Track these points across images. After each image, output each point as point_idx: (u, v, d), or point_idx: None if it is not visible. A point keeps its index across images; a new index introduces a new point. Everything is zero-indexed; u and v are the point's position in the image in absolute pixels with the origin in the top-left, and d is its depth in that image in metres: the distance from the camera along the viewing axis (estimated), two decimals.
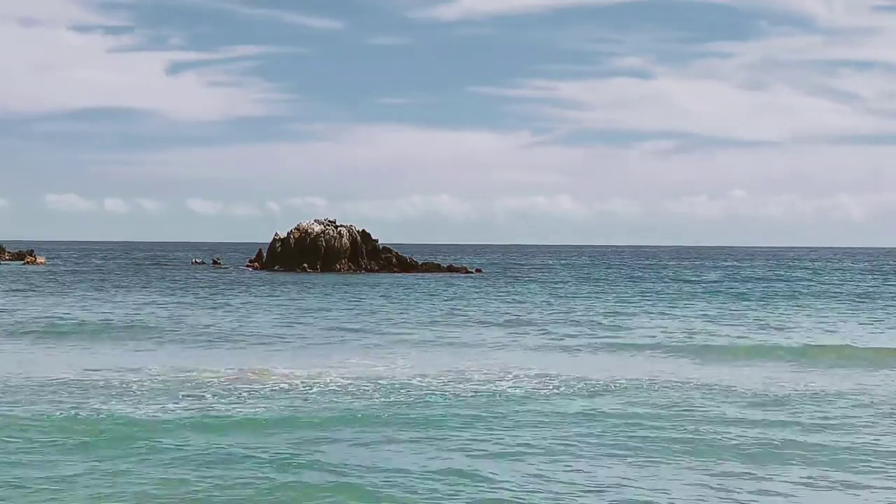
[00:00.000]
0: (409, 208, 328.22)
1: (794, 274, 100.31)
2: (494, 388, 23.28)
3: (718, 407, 21.07)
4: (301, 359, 29.12)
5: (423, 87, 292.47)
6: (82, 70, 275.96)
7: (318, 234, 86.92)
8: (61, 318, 41.61)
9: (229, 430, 18.20)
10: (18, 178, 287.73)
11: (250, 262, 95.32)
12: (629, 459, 16.22)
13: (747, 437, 17.86)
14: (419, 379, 24.60)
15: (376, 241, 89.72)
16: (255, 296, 57.48)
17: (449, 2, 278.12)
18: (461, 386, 23.62)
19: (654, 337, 36.43)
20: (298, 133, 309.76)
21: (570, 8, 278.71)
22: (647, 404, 21.26)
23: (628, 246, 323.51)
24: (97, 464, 15.55)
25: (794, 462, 16.13)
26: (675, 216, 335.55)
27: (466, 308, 49.80)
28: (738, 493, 14.42)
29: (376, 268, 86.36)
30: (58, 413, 19.47)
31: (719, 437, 17.90)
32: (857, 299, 60.04)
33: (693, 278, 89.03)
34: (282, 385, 23.44)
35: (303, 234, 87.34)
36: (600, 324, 41.88)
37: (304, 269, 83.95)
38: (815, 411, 20.65)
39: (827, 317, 46.80)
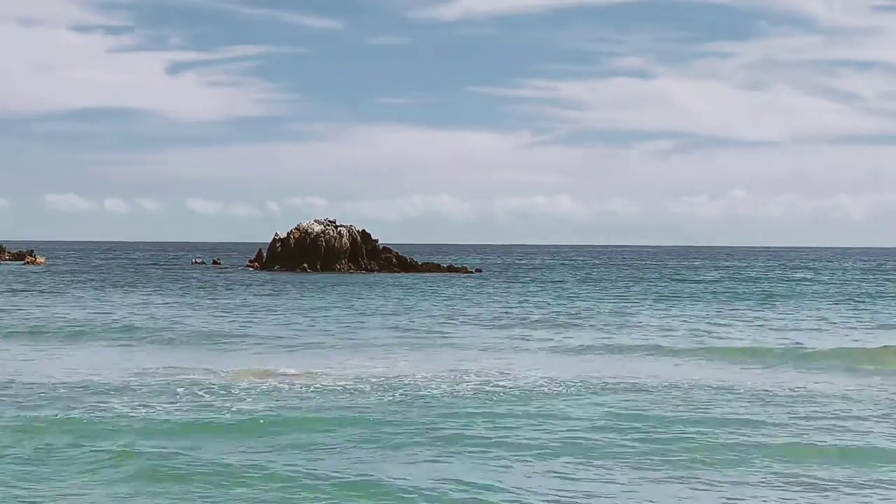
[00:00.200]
0: (409, 208, 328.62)
1: (793, 274, 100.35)
2: (494, 389, 23.26)
3: (719, 407, 21.06)
4: (301, 359, 29.12)
5: (423, 87, 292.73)
6: (82, 70, 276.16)
7: (318, 234, 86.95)
8: (61, 319, 41.59)
9: (229, 430, 18.20)
10: (18, 178, 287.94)
11: (250, 262, 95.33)
12: (629, 460, 16.21)
13: (747, 438, 17.85)
14: (419, 379, 24.58)
15: (376, 241, 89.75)
16: (255, 296, 57.48)
17: (449, 2, 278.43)
18: (461, 386, 23.61)
19: (654, 337, 36.43)
20: (298, 133, 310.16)
21: (570, 8, 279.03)
22: (647, 404, 21.24)
23: (628, 246, 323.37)
24: (95, 464, 15.55)
25: (794, 462, 16.11)
26: (675, 216, 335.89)
27: (466, 308, 49.82)
28: (739, 493, 14.41)
29: (376, 268, 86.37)
30: (56, 414, 19.45)
31: (719, 436, 17.88)
32: (857, 299, 60.06)
33: (693, 278, 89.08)
34: (281, 385, 23.43)
35: (303, 234, 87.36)
36: (600, 324, 41.87)
37: (304, 270, 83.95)
38: (816, 411, 20.64)
39: (827, 317, 46.80)
